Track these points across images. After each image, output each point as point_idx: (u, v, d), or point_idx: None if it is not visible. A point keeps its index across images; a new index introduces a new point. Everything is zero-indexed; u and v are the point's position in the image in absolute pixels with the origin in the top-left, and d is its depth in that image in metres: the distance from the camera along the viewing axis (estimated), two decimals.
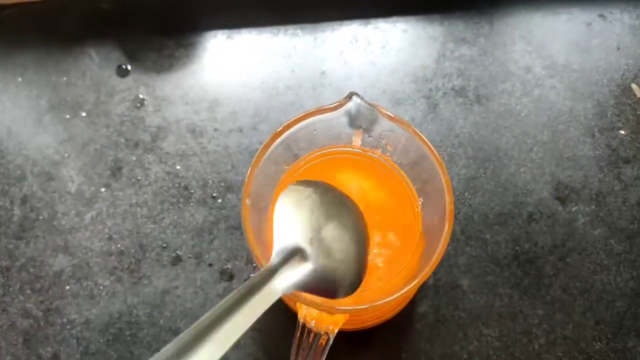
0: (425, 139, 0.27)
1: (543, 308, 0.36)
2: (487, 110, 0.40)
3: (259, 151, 0.27)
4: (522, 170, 0.39)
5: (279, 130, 0.27)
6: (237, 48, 0.42)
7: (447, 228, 0.25)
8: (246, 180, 0.26)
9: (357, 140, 0.29)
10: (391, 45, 0.42)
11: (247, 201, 0.26)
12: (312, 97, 0.41)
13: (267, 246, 0.27)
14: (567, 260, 0.37)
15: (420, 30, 0.42)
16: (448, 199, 0.25)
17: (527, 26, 0.43)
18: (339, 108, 0.27)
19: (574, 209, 0.38)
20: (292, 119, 0.27)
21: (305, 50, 0.42)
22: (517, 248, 0.37)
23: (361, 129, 0.28)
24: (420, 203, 0.29)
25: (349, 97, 0.27)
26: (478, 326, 0.35)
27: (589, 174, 0.39)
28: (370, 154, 0.30)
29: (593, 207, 0.38)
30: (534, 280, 0.36)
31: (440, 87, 0.41)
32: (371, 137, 0.28)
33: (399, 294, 0.24)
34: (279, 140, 0.27)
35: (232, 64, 0.42)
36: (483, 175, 0.39)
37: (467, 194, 0.38)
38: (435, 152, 0.26)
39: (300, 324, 0.25)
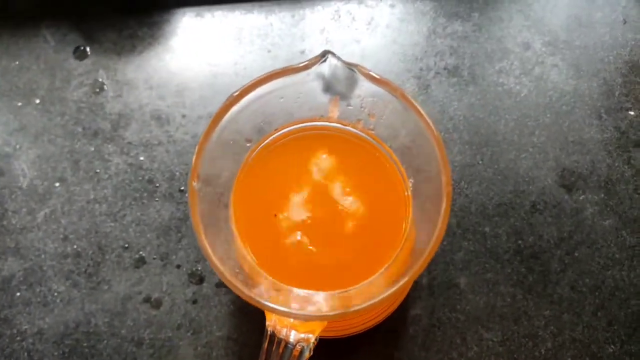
0: (416, 104, 0.23)
1: (549, 308, 0.34)
2: (484, 91, 0.38)
3: (210, 121, 0.23)
4: (523, 156, 0.37)
5: (235, 94, 0.23)
6: (207, 27, 0.40)
7: (443, 211, 0.21)
8: (194, 157, 0.22)
9: (333, 111, 0.25)
10: (377, 22, 0.40)
11: (195, 184, 0.22)
12: None
13: (230, 249, 0.23)
14: (575, 254, 0.35)
15: (409, 5, 0.40)
16: (445, 179, 0.22)
17: None
18: (309, 68, 0.23)
19: (581, 197, 0.36)
20: (252, 81, 0.23)
21: (282, 28, 0.39)
22: (520, 242, 0.35)
23: (337, 97, 0.24)
24: (411, 185, 0.25)
25: (322, 56, 0.23)
26: (478, 329, 0.34)
27: (597, 159, 0.37)
28: (350, 128, 0.26)
29: (602, 195, 0.36)
30: (539, 277, 0.35)
31: (431, 66, 0.38)
32: (351, 106, 0.24)
33: (383, 295, 0.21)
34: (236, 107, 0.23)
35: (202, 44, 0.39)
36: (480, 162, 0.36)
37: (463, 183, 0.36)
38: (430, 122, 0.22)
39: (269, 332, 0.22)
